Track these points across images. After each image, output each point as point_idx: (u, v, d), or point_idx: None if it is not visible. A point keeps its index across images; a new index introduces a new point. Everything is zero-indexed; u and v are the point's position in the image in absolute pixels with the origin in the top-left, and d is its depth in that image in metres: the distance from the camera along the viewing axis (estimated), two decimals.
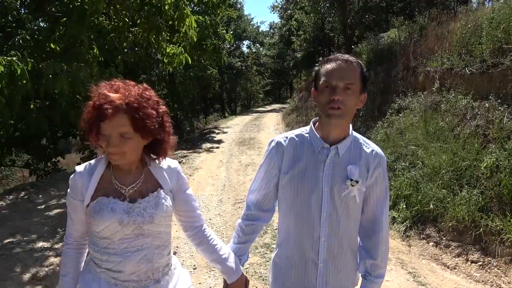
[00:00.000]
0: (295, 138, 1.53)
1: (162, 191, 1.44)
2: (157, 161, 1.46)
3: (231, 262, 1.55)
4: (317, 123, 1.52)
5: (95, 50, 5.91)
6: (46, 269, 3.77)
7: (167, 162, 1.50)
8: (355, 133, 1.53)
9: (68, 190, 1.44)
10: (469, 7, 8.62)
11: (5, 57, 4.02)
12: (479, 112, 5.08)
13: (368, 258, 1.55)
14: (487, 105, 5.05)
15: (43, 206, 5.96)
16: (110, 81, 1.37)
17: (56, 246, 4.35)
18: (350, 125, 1.51)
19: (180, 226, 1.59)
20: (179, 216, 1.55)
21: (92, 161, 1.44)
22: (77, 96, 5.88)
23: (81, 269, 1.51)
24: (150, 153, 1.45)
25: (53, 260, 3.95)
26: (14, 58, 4.00)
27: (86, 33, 5.23)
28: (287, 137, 1.54)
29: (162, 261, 1.45)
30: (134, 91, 1.33)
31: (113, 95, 1.29)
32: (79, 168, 1.42)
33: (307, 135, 1.52)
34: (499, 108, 4.86)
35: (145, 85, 1.41)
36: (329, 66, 1.41)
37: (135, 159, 1.41)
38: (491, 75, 5.31)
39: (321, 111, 1.43)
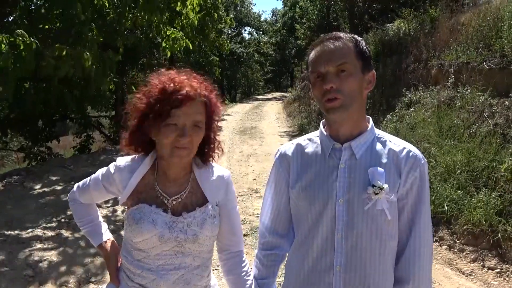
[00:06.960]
0: (303, 143, 1.27)
1: (210, 206, 1.24)
2: (205, 166, 1.28)
3: None
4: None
5: (94, 32, 5.61)
6: (40, 264, 3.55)
7: (217, 171, 1.31)
8: (378, 130, 1.23)
9: (102, 172, 1.32)
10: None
11: (7, 35, 3.74)
12: (497, 110, 4.85)
13: (398, 284, 1.16)
14: (507, 102, 4.82)
15: (37, 193, 5.72)
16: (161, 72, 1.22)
17: (51, 233, 4.13)
18: (370, 119, 1.23)
19: (216, 245, 1.38)
20: (218, 235, 1.34)
21: (134, 157, 1.28)
22: (72, 78, 5.62)
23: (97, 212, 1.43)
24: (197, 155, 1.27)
25: (48, 253, 3.73)
26: (19, 38, 3.74)
27: (85, 11, 4.92)
28: (293, 144, 1.29)
29: (201, 283, 1.26)
30: (198, 77, 1.22)
31: (190, 81, 1.17)
32: (120, 162, 1.27)
33: (317, 138, 1.25)
34: None
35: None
36: (314, 52, 1.16)
37: (191, 159, 1.24)
38: None
39: (320, 107, 1.17)
